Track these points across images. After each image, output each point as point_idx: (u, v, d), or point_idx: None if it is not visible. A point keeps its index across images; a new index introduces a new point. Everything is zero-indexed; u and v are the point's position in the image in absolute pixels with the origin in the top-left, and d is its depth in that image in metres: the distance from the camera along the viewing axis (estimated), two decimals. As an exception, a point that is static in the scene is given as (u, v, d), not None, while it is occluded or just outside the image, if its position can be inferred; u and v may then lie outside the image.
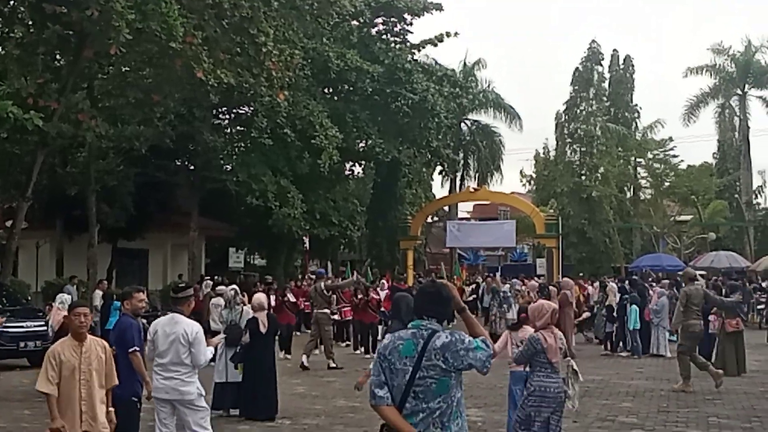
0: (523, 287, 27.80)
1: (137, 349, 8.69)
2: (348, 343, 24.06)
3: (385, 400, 4.78)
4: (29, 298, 25.42)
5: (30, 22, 21.74)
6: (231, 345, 12.75)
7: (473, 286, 36.25)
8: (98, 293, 22.59)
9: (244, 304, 14.46)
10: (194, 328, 8.75)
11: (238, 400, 12.72)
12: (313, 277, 26.84)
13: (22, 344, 18.67)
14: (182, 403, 8.75)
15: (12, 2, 20.35)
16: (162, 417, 8.83)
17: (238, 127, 33.69)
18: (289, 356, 20.87)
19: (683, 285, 17.29)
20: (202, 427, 8.82)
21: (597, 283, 28.78)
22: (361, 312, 22.59)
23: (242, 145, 32.57)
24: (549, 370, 8.35)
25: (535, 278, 29.02)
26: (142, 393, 8.78)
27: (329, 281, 25.08)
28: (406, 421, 4.72)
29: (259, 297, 13.27)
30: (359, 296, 23.03)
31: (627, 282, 24.78)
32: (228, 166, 31.83)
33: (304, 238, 35.15)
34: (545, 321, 8.53)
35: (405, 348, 4.77)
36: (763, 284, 34.35)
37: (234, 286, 16.35)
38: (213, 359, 16.02)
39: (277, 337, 15.02)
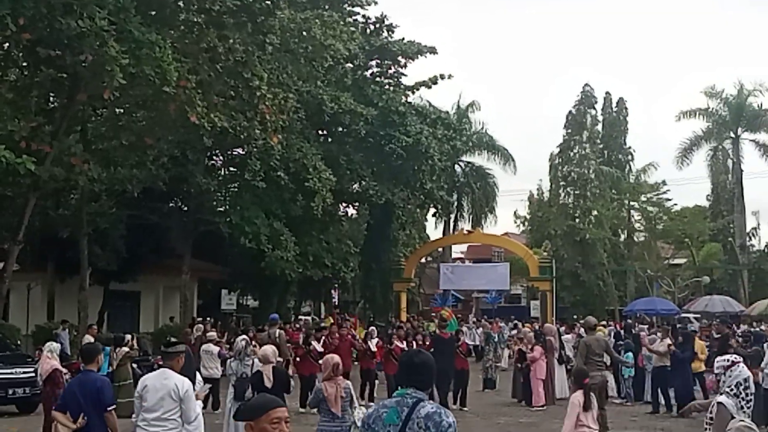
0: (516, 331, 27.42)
1: (114, 406, 8.62)
2: None
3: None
4: (19, 342, 25.18)
5: (24, 65, 21.82)
6: (240, 400, 12.38)
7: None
8: (88, 338, 22.30)
9: (256, 356, 14.01)
10: (185, 384, 8.62)
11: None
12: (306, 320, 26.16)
13: (10, 391, 18.39)
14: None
15: (6, 45, 20.33)
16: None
17: (231, 169, 33.69)
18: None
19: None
20: None
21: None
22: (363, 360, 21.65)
23: (235, 187, 32.54)
24: (330, 416, 9.56)
25: (527, 325, 28.68)
26: None
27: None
28: None
29: (266, 349, 12.64)
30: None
31: (623, 328, 24.62)
32: (221, 209, 31.78)
33: (332, 291, 34.75)
34: (328, 373, 9.87)
35: (388, 416, 4.75)
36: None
37: (245, 336, 15.85)
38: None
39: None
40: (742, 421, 6.53)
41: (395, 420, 4.71)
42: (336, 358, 10.32)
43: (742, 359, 7.95)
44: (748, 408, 7.38)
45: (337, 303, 38.19)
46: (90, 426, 7.95)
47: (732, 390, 7.40)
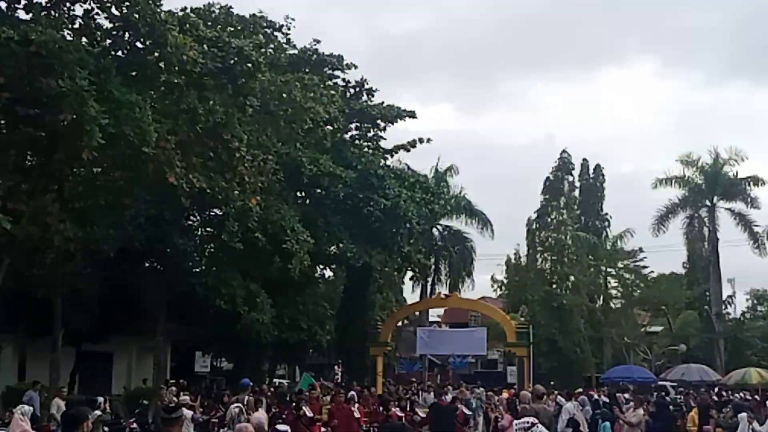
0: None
1: None
2: None
3: None
4: (-12, 404, 24.69)
5: (2, 123, 21.67)
6: None
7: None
8: (57, 402, 21.65)
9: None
10: None
11: None
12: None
13: (-22, 455, 17.96)
14: None
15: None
16: None
17: (208, 230, 33.45)
18: None
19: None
20: None
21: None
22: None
23: (212, 248, 32.28)
24: None
25: (505, 391, 28.46)
26: None
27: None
28: None
29: (258, 417, 12.32)
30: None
31: (607, 395, 24.51)
32: (197, 269, 31.47)
33: (336, 367, 34.44)
34: None
35: None
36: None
37: (239, 404, 15.40)
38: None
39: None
40: None
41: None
42: (283, 429, 11.18)
43: (538, 421, 8.91)
44: None
45: (340, 379, 36.93)
46: None
47: None
